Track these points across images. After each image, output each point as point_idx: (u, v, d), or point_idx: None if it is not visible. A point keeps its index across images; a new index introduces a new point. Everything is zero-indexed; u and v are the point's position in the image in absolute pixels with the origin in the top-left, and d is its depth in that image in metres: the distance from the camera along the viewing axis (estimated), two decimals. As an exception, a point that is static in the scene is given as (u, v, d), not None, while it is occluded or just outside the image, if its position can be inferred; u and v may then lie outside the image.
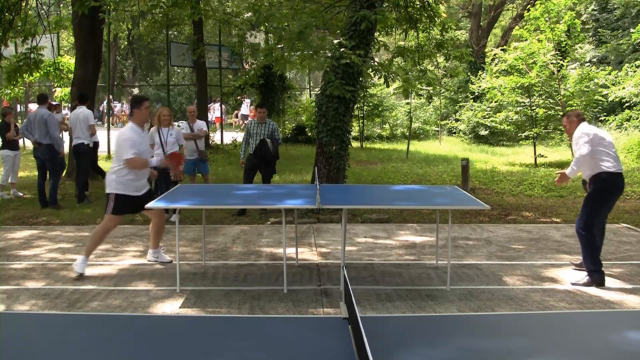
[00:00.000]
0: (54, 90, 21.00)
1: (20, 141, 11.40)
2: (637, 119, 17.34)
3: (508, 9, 31.48)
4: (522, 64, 16.29)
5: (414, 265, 6.83)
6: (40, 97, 10.79)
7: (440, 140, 23.04)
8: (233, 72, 25.87)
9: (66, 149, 11.53)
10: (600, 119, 19.47)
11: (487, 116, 19.77)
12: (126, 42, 36.87)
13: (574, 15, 16.86)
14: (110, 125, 19.18)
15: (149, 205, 6.02)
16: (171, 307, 5.42)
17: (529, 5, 17.85)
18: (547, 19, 16.18)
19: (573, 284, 6.06)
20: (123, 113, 32.12)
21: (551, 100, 16.35)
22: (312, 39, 9.79)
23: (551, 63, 15.85)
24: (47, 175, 10.17)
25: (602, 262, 6.12)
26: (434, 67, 19.33)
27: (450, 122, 24.25)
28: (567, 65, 17.29)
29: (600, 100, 16.41)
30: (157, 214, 6.62)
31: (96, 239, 6.42)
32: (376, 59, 12.71)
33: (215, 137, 20.18)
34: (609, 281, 6.08)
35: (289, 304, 5.48)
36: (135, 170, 6.27)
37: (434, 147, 20.71)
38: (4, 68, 13.84)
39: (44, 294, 5.76)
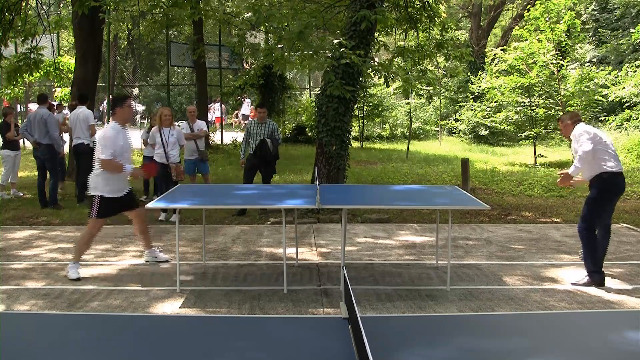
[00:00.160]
0: (54, 90, 21.00)
1: (21, 141, 11.41)
2: (637, 119, 17.34)
3: (508, 9, 31.48)
4: (522, 64, 16.29)
5: (414, 265, 6.83)
6: (40, 97, 10.80)
7: (440, 140, 23.03)
8: (233, 72, 25.87)
9: (66, 149, 11.55)
10: (600, 119, 19.47)
11: (487, 116, 19.77)
12: (126, 42, 36.85)
13: (574, 15, 16.86)
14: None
15: (149, 205, 6.03)
16: (171, 307, 5.42)
17: (529, 5, 17.85)
18: (547, 19, 16.18)
19: (573, 284, 6.06)
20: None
21: (551, 100, 16.36)
22: (312, 39, 9.79)
23: (551, 63, 15.85)
24: (47, 175, 10.18)
25: (603, 262, 6.12)
26: (434, 67, 19.33)
27: (450, 122, 24.25)
28: (567, 65, 17.30)
29: (600, 100, 16.41)
30: (137, 215, 6.55)
31: (83, 244, 6.31)
32: (376, 59, 12.71)
33: (215, 137, 20.19)
34: (609, 281, 6.08)
35: (289, 304, 5.48)
36: (111, 172, 6.14)
37: (434, 147, 20.71)
38: (4, 68, 13.84)
39: (44, 294, 5.76)
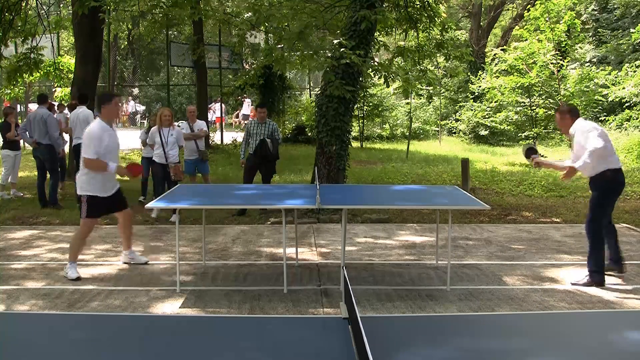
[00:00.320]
0: (54, 90, 21.02)
1: (21, 141, 11.41)
2: (637, 119, 17.35)
3: (508, 9, 31.48)
4: (522, 64, 16.30)
5: (414, 265, 6.83)
6: (40, 97, 10.80)
7: (440, 140, 23.03)
8: (233, 72, 25.88)
9: (67, 149, 11.55)
10: (600, 119, 19.47)
11: (487, 116, 19.78)
12: (126, 42, 36.86)
13: (574, 15, 16.87)
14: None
15: (149, 205, 6.03)
16: (171, 307, 5.42)
17: (529, 5, 17.87)
18: (547, 19, 16.19)
19: (573, 284, 6.06)
20: (123, 113, 32.13)
21: (551, 100, 16.36)
22: (312, 39, 9.81)
23: (551, 63, 15.86)
24: (47, 175, 10.17)
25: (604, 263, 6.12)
26: (434, 67, 19.33)
27: (450, 122, 24.26)
28: (567, 65, 17.31)
29: (600, 100, 16.42)
30: (125, 215, 6.53)
31: (77, 244, 6.29)
32: (376, 59, 12.71)
33: (215, 137, 20.19)
34: (609, 281, 6.07)
35: (289, 304, 5.47)
36: (95, 171, 6.10)
37: (434, 147, 20.70)
38: (4, 68, 13.84)
39: (44, 294, 5.76)
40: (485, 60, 20.10)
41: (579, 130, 5.94)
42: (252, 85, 18.20)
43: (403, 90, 11.75)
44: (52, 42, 15.71)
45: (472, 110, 21.58)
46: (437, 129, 24.42)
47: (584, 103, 15.92)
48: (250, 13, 11.61)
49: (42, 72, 15.75)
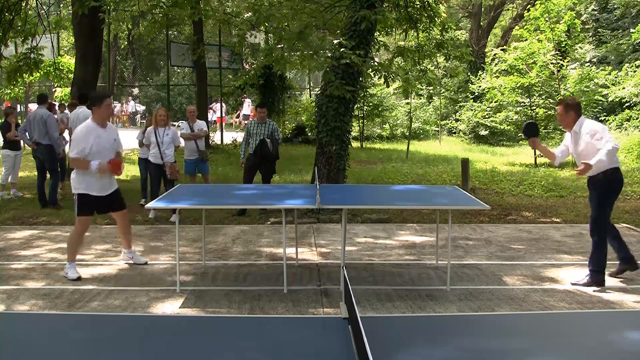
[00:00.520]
0: (54, 90, 21.03)
1: (22, 141, 11.41)
2: (637, 119, 17.35)
3: (508, 9, 31.49)
4: (522, 64, 16.30)
5: (414, 265, 6.83)
6: (40, 97, 10.79)
7: (440, 140, 23.03)
8: (233, 72, 25.89)
9: (67, 149, 11.54)
10: (600, 119, 19.46)
11: (487, 116, 19.77)
12: (126, 42, 36.86)
13: (574, 15, 16.88)
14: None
15: (149, 205, 6.03)
16: (171, 307, 5.42)
17: (529, 5, 17.87)
18: (547, 19, 16.19)
19: (573, 284, 6.06)
20: (123, 113, 32.14)
21: (551, 100, 16.36)
22: (312, 39, 9.80)
23: (551, 63, 15.86)
24: (47, 175, 10.17)
25: (606, 263, 6.12)
26: (434, 67, 19.34)
27: (450, 122, 24.26)
28: (567, 65, 17.31)
29: (600, 100, 16.42)
30: (122, 216, 6.54)
31: (74, 244, 6.30)
32: (376, 59, 12.71)
33: (215, 137, 20.19)
34: (609, 281, 6.07)
35: (289, 304, 5.47)
36: (81, 170, 6.14)
37: (434, 147, 20.70)
38: (4, 68, 13.85)
39: (44, 294, 5.76)
40: (485, 60, 20.10)
41: (590, 129, 5.89)
42: (252, 85, 18.21)
43: (403, 90, 11.75)
44: (52, 42, 15.71)
45: (472, 110, 21.58)
46: (437, 129, 24.42)
47: (584, 103, 15.90)
48: (250, 13, 11.62)
49: (42, 72, 15.75)
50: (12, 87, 15.72)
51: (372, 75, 11.43)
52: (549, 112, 16.28)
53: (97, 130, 6.18)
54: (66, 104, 12.81)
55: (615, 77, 16.11)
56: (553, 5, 15.97)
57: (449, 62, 14.67)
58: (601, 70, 16.47)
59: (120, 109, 31.88)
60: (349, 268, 6.44)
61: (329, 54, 9.65)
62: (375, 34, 10.89)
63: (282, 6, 10.54)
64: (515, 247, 7.61)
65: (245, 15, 13.41)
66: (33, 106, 18.54)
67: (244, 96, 24.36)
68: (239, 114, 29.22)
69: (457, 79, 24.14)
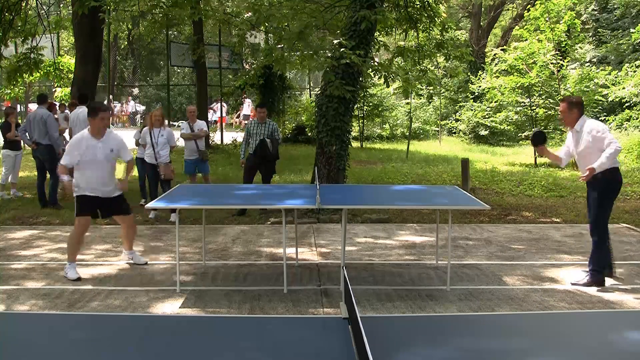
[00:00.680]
0: (54, 90, 21.03)
1: (22, 141, 11.41)
2: (637, 119, 17.35)
3: (508, 9, 31.49)
4: (522, 64, 16.30)
5: (414, 265, 6.83)
6: (40, 97, 10.79)
7: (440, 140, 23.03)
8: (233, 72, 25.88)
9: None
10: (600, 119, 19.47)
11: (487, 116, 19.77)
12: (126, 42, 36.87)
13: (574, 15, 16.88)
14: (110, 125, 19.17)
15: (149, 205, 6.03)
16: (171, 307, 5.42)
17: (529, 5, 17.87)
18: (547, 19, 16.19)
19: (573, 284, 6.06)
20: (123, 113, 32.14)
21: (551, 100, 16.36)
22: (312, 39, 9.80)
23: (551, 63, 15.86)
24: (47, 175, 10.17)
25: (606, 263, 6.12)
26: (434, 67, 19.33)
27: (450, 122, 24.26)
28: (567, 65, 17.31)
29: (600, 100, 16.42)
30: (127, 220, 6.57)
31: (73, 244, 6.32)
32: (376, 59, 12.71)
33: (216, 137, 20.19)
34: (609, 281, 6.07)
35: (289, 304, 5.47)
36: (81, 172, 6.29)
37: (434, 147, 20.70)
38: (4, 68, 13.85)
39: (44, 294, 5.76)
40: (485, 60, 20.10)
41: (592, 130, 5.88)
42: (252, 85, 18.20)
43: (403, 90, 11.75)
44: (52, 42, 15.71)
45: (472, 110, 21.58)
46: (437, 129, 24.42)
47: (584, 103, 15.92)
48: (250, 13, 11.62)
49: (42, 72, 15.75)
50: (12, 87, 15.73)
51: (372, 75, 11.43)
52: (549, 112, 16.28)
53: (89, 140, 6.19)
54: (66, 104, 12.81)
55: (615, 77, 16.11)
56: (553, 5, 15.97)
57: (449, 62, 14.66)
58: (601, 70, 16.47)
59: (120, 109, 31.89)
60: (349, 268, 6.44)
61: (329, 54, 9.65)
62: (375, 34, 10.89)
63: (282, 6, 10.54)
64: (515, 247, 7.61)
65: (245, 15, 13.41)
66: (33, 106, 18.54)
67: (244, 96, 24.33)
68: (239, 114, 29.19)
69: (457, 79, 24.12)
